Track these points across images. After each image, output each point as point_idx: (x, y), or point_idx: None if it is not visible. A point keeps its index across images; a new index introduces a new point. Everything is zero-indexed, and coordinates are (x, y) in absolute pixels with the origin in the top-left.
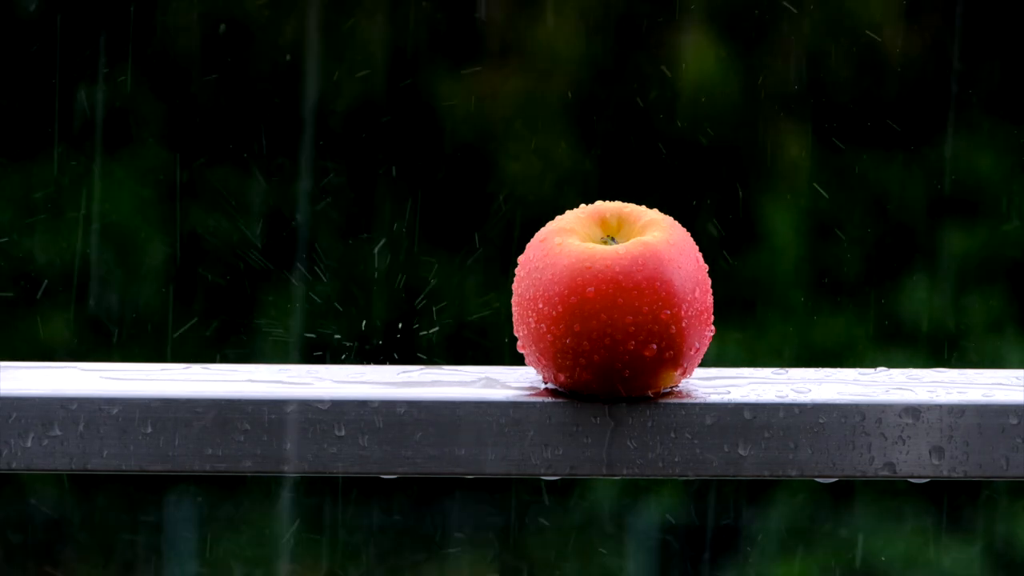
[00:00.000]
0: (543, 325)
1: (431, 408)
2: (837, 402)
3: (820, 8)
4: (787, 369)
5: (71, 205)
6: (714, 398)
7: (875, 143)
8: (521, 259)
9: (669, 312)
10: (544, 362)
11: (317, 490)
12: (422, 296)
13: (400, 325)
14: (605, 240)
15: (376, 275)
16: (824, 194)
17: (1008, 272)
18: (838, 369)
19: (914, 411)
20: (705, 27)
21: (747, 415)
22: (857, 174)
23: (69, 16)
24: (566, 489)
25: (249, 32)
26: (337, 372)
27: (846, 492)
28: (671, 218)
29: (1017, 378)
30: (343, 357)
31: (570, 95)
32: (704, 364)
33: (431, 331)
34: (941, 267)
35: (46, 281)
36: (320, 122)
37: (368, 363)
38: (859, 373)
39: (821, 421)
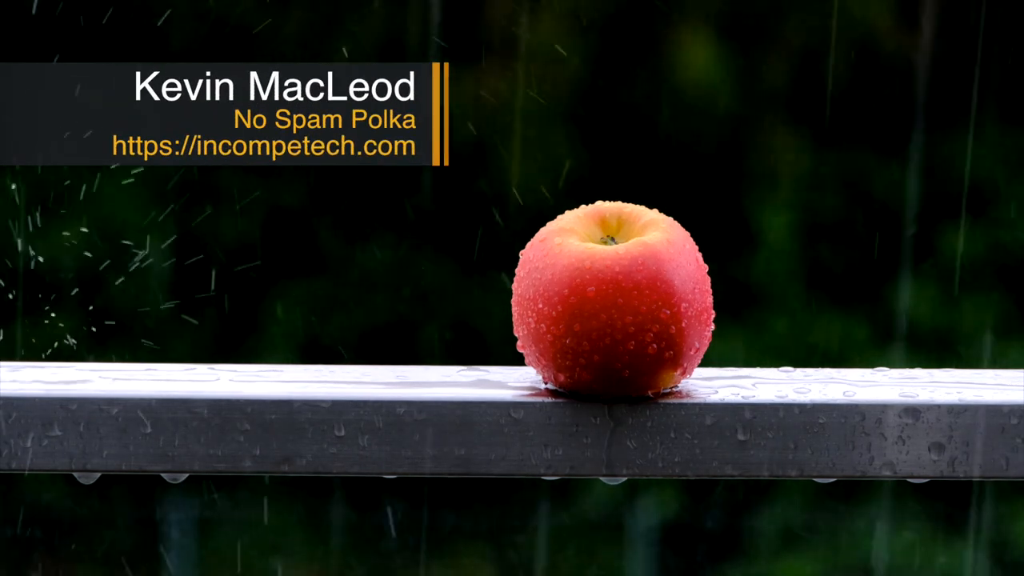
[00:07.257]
0: (543, 325)
1: (431, 408)
2: (837, 402)
3: (818, 8)
4: (787, 369)
5: (71, 204)
6: (714, 398)
7: (874, 143)
8: (521, 259)
9: (669, 312)
10: (544, 362)
11: (317, 490)
12: (422, 296)
13: (400, 325)
14: (605, 240)
15: (376, 275)
16: (823, 194)
17: (1008, 272)
18: (838, 369)
19: (914, 411)
20: (704, 27)
21: (747, 415)
22: (856, 174)
23: (70, 12)
24: (565, 489)
25: (249, 30)
26: (337, 372)
27: (846, 492)
28: (671, 218)
29: (1017, 378)
30: (343, 357)
31: (569, 95)
32: (704, 364)
33: (431, 331)
34: (941, 267)
35: (46, 282)
36: None
37: (368, 363)
38: (859, 373)
39: (821, 421)
